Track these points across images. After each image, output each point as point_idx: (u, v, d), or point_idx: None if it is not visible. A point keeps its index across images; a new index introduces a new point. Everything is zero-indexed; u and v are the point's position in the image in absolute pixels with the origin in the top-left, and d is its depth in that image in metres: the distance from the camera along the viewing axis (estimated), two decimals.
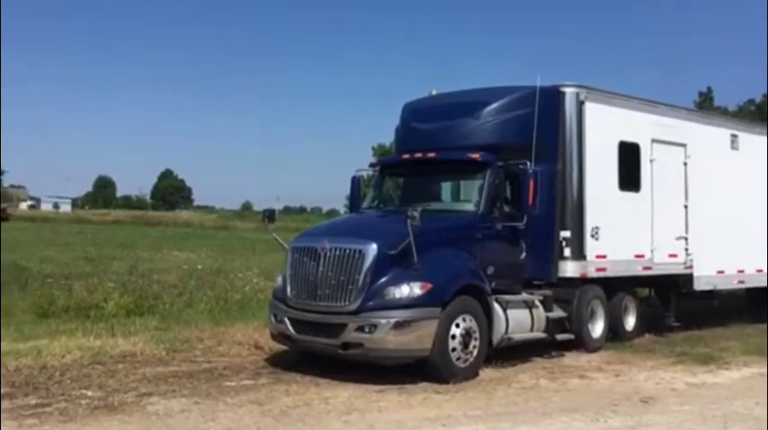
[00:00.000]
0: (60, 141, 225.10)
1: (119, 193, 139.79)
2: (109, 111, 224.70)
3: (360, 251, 8.11)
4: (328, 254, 8.24)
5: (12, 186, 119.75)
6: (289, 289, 8.57)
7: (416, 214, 7.90)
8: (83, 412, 6.58)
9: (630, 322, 11.41)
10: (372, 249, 8.09)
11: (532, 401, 7.59)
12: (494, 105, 9.86)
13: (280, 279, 9.02)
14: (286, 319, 8.51)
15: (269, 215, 10.17)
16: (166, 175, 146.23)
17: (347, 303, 8.04)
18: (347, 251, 8.17)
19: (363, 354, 7.92)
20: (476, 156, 9.39)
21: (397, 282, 8.06)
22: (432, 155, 9.69)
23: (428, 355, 7.98)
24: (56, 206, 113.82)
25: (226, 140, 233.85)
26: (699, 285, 12.14)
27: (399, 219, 8.31)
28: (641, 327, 11.59)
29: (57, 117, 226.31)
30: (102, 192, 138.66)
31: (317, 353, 8.46)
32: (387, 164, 11.00)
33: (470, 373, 8.32)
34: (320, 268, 8.26)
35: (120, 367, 8.34)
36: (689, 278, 12.02)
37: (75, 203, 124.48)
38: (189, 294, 13.38)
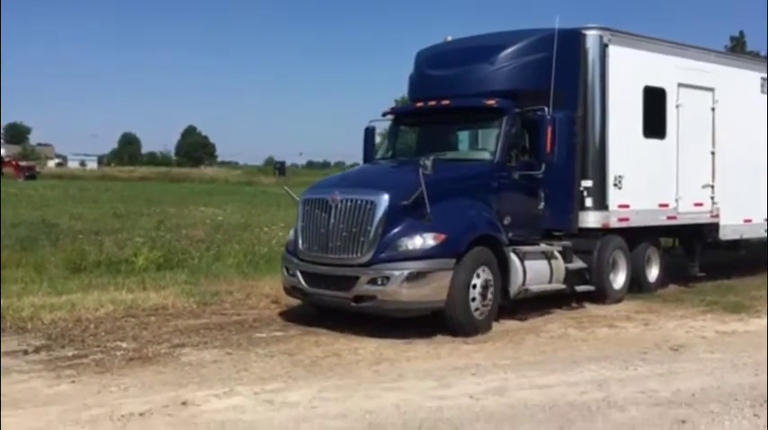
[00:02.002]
0: (85, 99, 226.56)
1: (143, 150, 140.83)
2: (132, 68, 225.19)
3: (371, 202, 7.98)
4: (339, 205, 8.11)
5: (39, 145, 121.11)
6: (300, 242, 8.48)
7: (428, 163, 7.73)
8: (118, 363, 6.73)
9: (654, 273, 11.23)
10: (384, 200, 7.96)
11: (561, 350, 7.61)
12: (510, 49, 9.52)
13: (291, 232, 8.94)
14: (298, 272, 8.47)
15: (279, 167, 10.25)
16: (190, 132, 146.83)
17: (359, 255, 7.94)
18: (358, 202, 8.04)
19: (376, 307, 7.85)
20: (491, 102, 9.12)
21: (409, 233, 7.93)
22: (446, 102, 9.46)
23: (443, 307, 7.90)
24: (82, 163, 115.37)
25: (249, 96, 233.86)
26: (725, 234, 11.89)
27: (412, 169, 8.13)
28: (665, 279, 11.43)
29: (81, 75, 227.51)
30: (128, 149, 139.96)
31: (329, 306, 8.43)
32: (400, 113, 10.71)
33: (486, 325, 8.26)
34: (331, 220, 8.14)
35: (152, 320, 8.50)
36: (715, 227, 11.77)
37: (101, 161, 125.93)
38: (216, 248, 13.61)
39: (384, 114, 10.51)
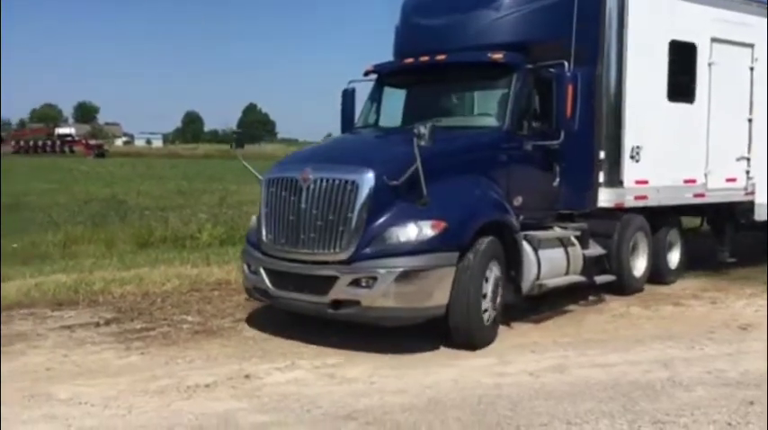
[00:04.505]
0: (149, 78, 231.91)
1: (206, 128, 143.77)
2: (193, 48, 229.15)
3: (352, 182, 6.44)
4: (312, 186, 6.56)
5: (107, 124, 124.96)
6: (264, 232, 6.93)
7: (425, 131, 6.32)
8: (184, 336, 6.97)
9: (675, 259, 10.01)
10: (368, 179, 6.43)
11: (623, 329, 7.49)
12: None
13: (254, 218, 7.42)
14: (261, 270, 6.94)
15: (237, 138, 9.29)
16: (251, 109, 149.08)
17: (337, 250, 6.43)
18: (336, 182, 6.49)
19: (359, 315, 6.37)
20: (498, 56, 7.60)
21: (401, 220, 6.42)
22: (441, 57, 7.88)
23: (444, 314, 6.49)
24: (148, 142, 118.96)
25: (307, 74, 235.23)
26: (761, 214, 10.48)
27: (403, 139, 6.72)
28: (686, 264, 10.24)
29: (145, 54, 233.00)
30: (191, 128, 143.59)
31: (300, 312, 6.90)
32: (385, 71, 8.71)
33: (492, 334, 6.87)
34: (302, 205, 6.60)
35: (215, 294, 8.74)
36: (749, 206, 10.45)
37: (166, 139, 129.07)
38: None
39: (366, 73, 8.76)
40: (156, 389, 5.47)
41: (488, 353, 6.51)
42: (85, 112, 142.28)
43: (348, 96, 9.08)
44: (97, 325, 7.36)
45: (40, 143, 66.95)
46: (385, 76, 8.72)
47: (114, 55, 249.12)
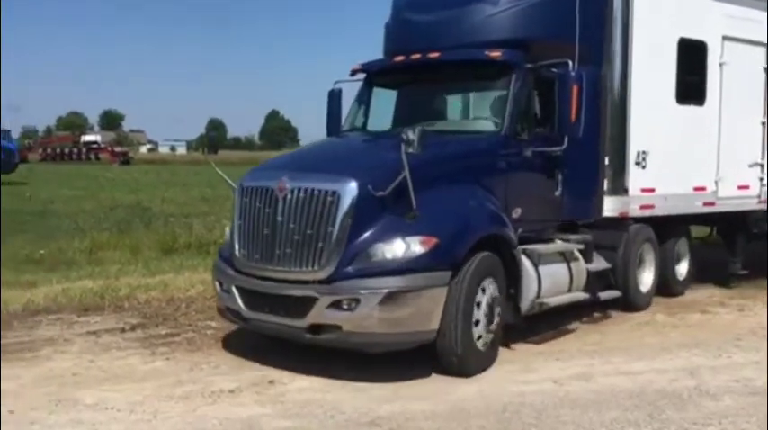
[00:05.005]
0: (173, 86, 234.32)
1: (229, 135, 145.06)
2: (217, 56, 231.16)
3: (333, 192, 5.90)
4: (289, 197, 6.02)
5: (132, 131, 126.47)
6: (237, 246, 6.37)
7: (414, 137, 5.81)
8: (209, 341, 7.09)
9: (683, 270, 9.64)
10: (351, 189, 5.88)
11: (649, 337, 7.44)
12: None
13: (227, 230, 6.85)
14: (233, 289, 6.39)
15: (210, 142, 8.56)
16: (273, 116, 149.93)
17: (316, 268, 5.88)
18: (315, 193, 5.95)
19: (341, 340, 5.85)
20: (496, 54, 7.11)
21: (387, 236, 5.87)
22: (434, 55, 7.37)
23: (434, 339, 5.96)
24: (172, 148, 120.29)
25: (329, 80, 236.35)
26: None
27: (391, 145, 6.18)
28: (694, 276, 9.93)
29: (170, 63, 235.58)
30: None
31: (275, 336, 6.40)
32: (374, 70, 8.20)
33: (491, 358, 6.37)
34: (278, 217, 6.05)
35: None
36: (762, 215, 10.01)
37: (190, 146, 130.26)
38: None
39: (353, 73, 8.26)
40: (182, 394, 5.53)
41: (512, 359, 6.47)
42: (111, 120, 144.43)
43: (335, 98, 8.54)
44: (123, 330, 7.46)
45: (66, 150, 67.91)
46: (374, 76, 8.21)
47: (138, 63, 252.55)
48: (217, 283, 6.69)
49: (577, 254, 7.67)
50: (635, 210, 8.53)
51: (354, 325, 5.70)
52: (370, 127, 8.09)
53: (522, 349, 6.84)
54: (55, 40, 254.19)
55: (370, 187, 5.87)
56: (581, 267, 7.63)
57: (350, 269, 5.80)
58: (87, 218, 16.83)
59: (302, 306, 5.85)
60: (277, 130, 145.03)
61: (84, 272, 10.57)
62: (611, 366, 6.32)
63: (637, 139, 8.44)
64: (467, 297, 5.95)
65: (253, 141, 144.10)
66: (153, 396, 5.50)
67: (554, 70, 7.22)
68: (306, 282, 5.91)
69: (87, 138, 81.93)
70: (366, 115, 8.18)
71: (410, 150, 5.78)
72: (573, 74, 7.01)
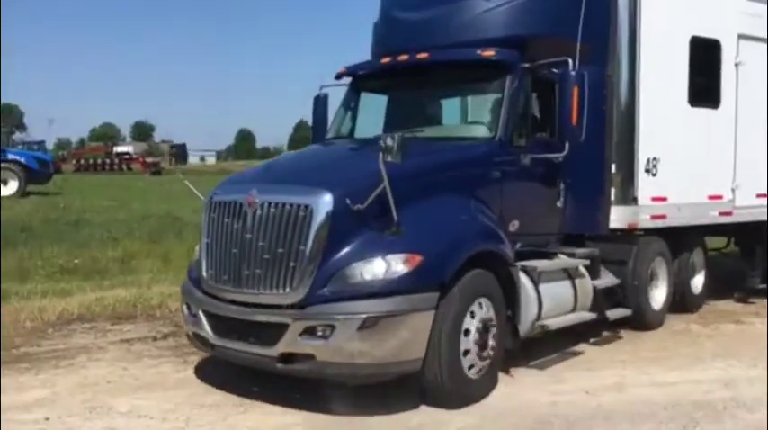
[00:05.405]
0: (203, 97, 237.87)
1: (258, 145, 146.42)
2: (245, 67, 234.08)
3: (306, 206, 5.30)
4: (258, 212, 5.45)
5: (163, 141, 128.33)
6: (204, 266, 5.80)
7: (393, 144, 5.17)
8: None
9: (699, 283, 9.05)
10: (325, 202, 5.28)
11: (683, 346, 7.33)
12: None
13: (197, 249, 6.18)
14: (200, 313, 5.82)
15: (178, 152, 7.87)
16: (301, 126, 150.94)
17: (287, 290, 5.29)
18: (286, 207, 5.36)
19: (314, 371, 5.23)
20: (488, 53, 6.56)
21: (365, 254, 5.27)
22: (423, 56, 6.84)
23: (420, 369, 5.33)
24: (202, 159, 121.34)
25: None
26: None
27: (371, 153, 5.49)
28: (710, 290, 9.33)
29: (200, 75, 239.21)
30: (243, 145, 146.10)
31: (244, 365, 5.73)
32: (360, 73, 7.68)
33: (489, 384, 5.77)
34: (247, 235, 5.47)
35: None
36: None
37: (219, 156, 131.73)
38: None
39: (338, 76, 7.73)
40: (212, 402, 5.57)
41: (543, 369, 6.41)
42: (142, 131, 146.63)
43: (320, 103, 8.01)
44: (155, 339, 7.54)
45: (99, 161, 69.06)
46: (360, 80, 7.67)
47: (168, 77, 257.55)
48: (185, 307, 6.13)
49: (582, 269, 7.07)
50: (645, 221, 7.96)
51: (329, 354, 5.09)
52: (359, 134, 7.51)
53: (552, 356, 6.76)
54: (88, 54, 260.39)
55: (347, 200, 5.29)
56: (587, 284, 7.05)
57: (325, 291, 5.20)
58: (120, 227, 17.07)
59: (273, 333, 5.26)
60: (305, 140, 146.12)
61: (116, 280, 10.73)
62: (644, 376, 6.22)
63: (646, 145, 7.87)
64: (454, 322, 5.36)
65: (282, 151, 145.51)
66: (185, 403, 5.54)
67: (553, 70, 6.70)
68: (277, 307, 5.33)
69: (119, 148, 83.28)
70: (353, 121, 7.66)
71: (389, 158, 5.19)
72: (573, 74, 6.44)
